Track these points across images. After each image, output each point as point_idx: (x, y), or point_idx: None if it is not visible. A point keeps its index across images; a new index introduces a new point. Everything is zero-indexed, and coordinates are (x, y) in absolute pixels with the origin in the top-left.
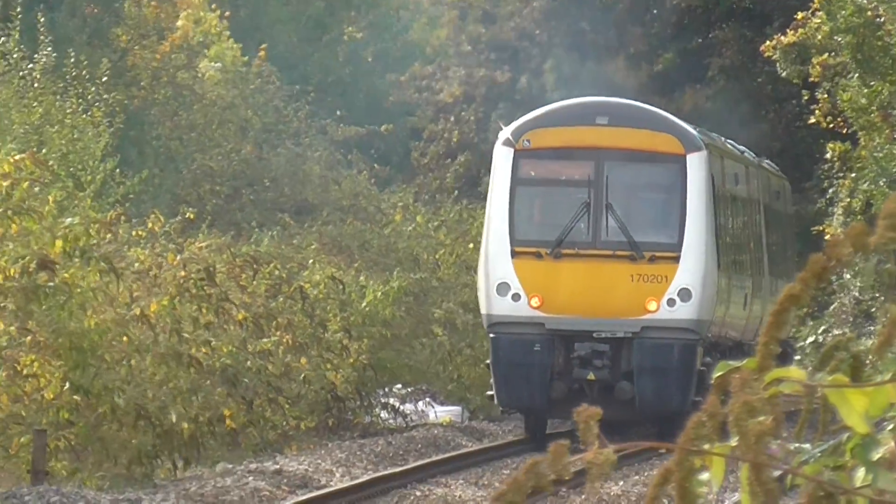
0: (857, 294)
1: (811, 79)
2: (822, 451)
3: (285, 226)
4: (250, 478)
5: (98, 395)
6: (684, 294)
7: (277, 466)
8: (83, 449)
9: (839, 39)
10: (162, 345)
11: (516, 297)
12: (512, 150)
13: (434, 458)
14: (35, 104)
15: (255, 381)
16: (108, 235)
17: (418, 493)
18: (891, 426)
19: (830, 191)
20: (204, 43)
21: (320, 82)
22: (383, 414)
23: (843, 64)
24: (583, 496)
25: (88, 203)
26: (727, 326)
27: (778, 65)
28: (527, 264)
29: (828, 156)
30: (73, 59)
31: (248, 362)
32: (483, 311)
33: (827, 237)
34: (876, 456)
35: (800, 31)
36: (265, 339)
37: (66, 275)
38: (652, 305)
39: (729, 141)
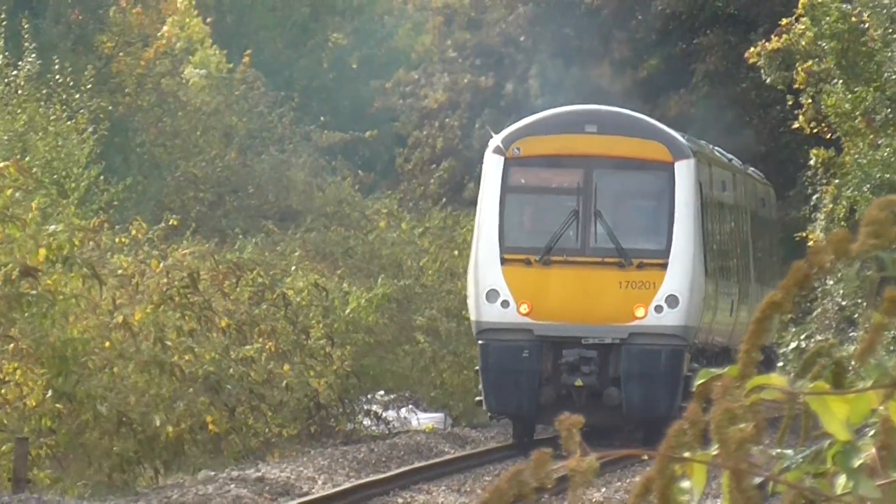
0: (840, 300)
1: (795, 85)
2: (804, 458)
3: (269, 232)
4: (232, 485)
5: (81, 403)
6: (672, 301)
7: (259, 474)
8: (65, 457)
9: (823, 45)
10: (144, 352)
11: (505, 303)
12: (502, 158)
13: (416, 464)
14: (19, 111)
15: (237, 388)
16: (91, 242)
17: (400, 501)
18: (872, 433)
19: (814, 197)
20: (188, 49)
21: (305, 88)
22: (366, 421)
23: (828, 70)
24: (565, 503)
25: (72, 210)
26: (714, 333)
27: (762, 71)
28: (516, 271)
29: (811, 162)
30: (57, 66)
31: (231, 369)
32: (472, 317)
33: (810, 244)
34: (857, 463)
35: (784, 37)
36: (248, 346)
37: (48, 281)
38: (640, 312)
39: (716, 148)
